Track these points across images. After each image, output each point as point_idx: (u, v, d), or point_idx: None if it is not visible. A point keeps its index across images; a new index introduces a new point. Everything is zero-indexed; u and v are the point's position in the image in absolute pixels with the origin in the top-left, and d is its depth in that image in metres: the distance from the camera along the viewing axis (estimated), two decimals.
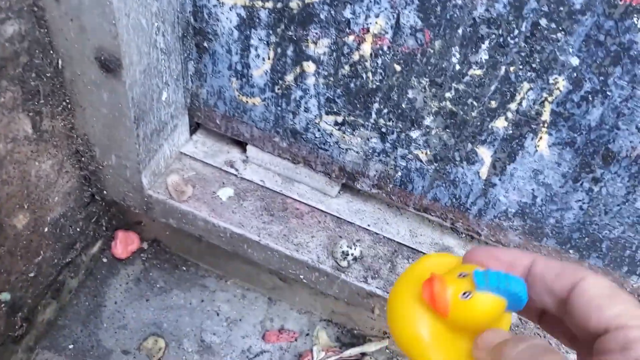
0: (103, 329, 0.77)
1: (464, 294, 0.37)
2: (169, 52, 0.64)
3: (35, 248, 0.69)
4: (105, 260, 0.82)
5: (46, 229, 0.69)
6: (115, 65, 0.57)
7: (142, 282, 0.82)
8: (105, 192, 0.74)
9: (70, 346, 0.75)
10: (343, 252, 0.65)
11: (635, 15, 0.44)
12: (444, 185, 0.64)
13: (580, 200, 0.58)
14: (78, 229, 0.75)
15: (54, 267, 0.74)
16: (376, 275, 0.66)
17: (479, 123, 0.57)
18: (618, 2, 0.44)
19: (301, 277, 0.68)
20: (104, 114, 0.62)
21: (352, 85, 0.60)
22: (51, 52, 0.58)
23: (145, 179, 0.69)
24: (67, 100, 0.63)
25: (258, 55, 0.63)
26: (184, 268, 0.83)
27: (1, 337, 0.68)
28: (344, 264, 0.65)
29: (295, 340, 0.78)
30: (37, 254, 0.69)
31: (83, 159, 0.69)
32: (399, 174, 0.66)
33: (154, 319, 0.79)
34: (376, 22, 0.54)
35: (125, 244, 0.82)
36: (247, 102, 0.68)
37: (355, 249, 0.66)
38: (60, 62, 0.59)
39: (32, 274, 0.69)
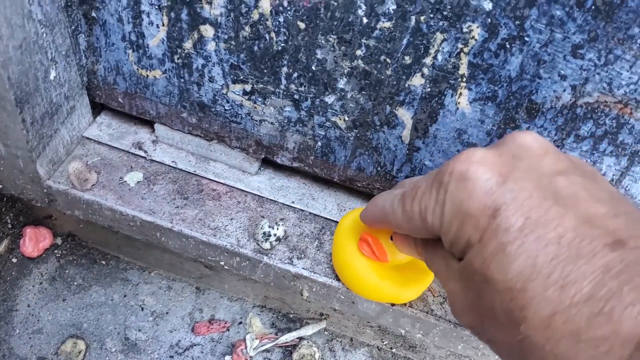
0: (16, 336, 0.70)
1: (390, 238, 0.49)
2: (51, 25, 0.57)
3: None
4: (14, 260, 0.75)
5: None
6: None
7: (57, 281, 0.75)
8: (1, 186, 0.66)
9: None
10: (264, 233, 0.60)
11: None
12: (366, 153, 0.60)
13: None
14: None
15: None
16: (302, 255, 0.61)
17: (394, 82, 0.52)
18: None
19: (222, 263, 0.62)
20: None
21: (255, 48, 0.54)
22: None
23: (41, 168, 0.62)
24: None
25: (151, 22, 0.56)
26: (103, 262, 0.77)
27: None
28: (267, 245, 0.60)
29: (228, 330, 0.73)
30: None
31: None
32: (319, 144, 0.61)
33: (72, 320, 0.72)
34: None
35: (35, 240, 0.75)
36: (147, 75, 0.61)
37: (278, 228, 0.61)
38: None
39: None
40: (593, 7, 0.42)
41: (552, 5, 0.42)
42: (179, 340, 0.72)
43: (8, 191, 0.67)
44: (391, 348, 0.74)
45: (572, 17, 0.43)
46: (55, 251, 0.77)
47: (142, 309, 0.74)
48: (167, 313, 0.74)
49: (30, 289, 0.74)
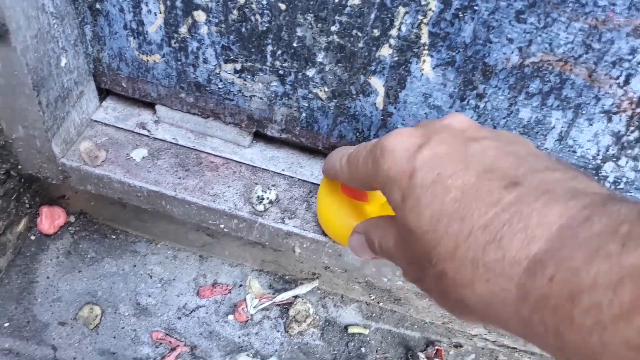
0: (37, 304, 0.78)
1: None
2: (61, 16, 0.64)
3: None
4: (33, 237, 0.82)
5: None
6: (3, 31, 0.57)
7: (72, 255, 0.82)
8: (20, 166, 0.73)
9: (6, 324, 0.76)
10: (258, 197, 0.67)
11: None
12: (346, 121, 0.67)
13: (470, 118, 0.61)
14: None
15: None
16: (293, 216, 0.68)
17: (366, 54, 0.59)
18: None
19: (222, 226, 0.69)
20: (1, 84, 0.62)
21: (243, 29, 0.61)
22: None
23: (56, 147, 0.69)
24: None
25: (150, 11, 0.63)
26: (113, 236, 0.84)
27: None
28: (260, 208, 0.67)
29: (229, 292, 0.80)
30: None
31: None
32: (304, 114, 0.68)
33: (87, 289, 0.79)
34: None
35: (51, 219, 0.82)
36: (147, 60, 0.68)
37: (270, 192, 0.68)
38: None
39: None
40: None
41: None
42: (186, 303, 0.79)
43: (26, 171, 0.74)
44: (378, 302, 0.81)
45: None
46: (69, 228, 0.84)
47: (151, 277, 0.81)
48: (173, 279, 0.81)
49: (49, 263, 0.81)
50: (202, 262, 0.83)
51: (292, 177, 0.71)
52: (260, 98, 0.68)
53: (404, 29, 0.56)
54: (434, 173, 0.35)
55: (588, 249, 0.25)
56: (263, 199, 0.67)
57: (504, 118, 0.60)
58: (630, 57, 0.51)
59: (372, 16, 0.56)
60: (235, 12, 0.60)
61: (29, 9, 0.58)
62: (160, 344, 0.76)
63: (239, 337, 0.78)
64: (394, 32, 0.56)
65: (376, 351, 0.79)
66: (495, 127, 0.61)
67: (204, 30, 0.63)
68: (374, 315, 0.81)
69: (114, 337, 0.76)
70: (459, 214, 0.32)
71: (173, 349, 0.75)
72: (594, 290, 0.23)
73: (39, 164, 0.72)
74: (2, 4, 0.54)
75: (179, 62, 0.67)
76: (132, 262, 0.82)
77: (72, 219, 0.85)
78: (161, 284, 0.80)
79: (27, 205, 0.81)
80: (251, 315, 0.78)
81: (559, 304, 0.25)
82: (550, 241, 0.27)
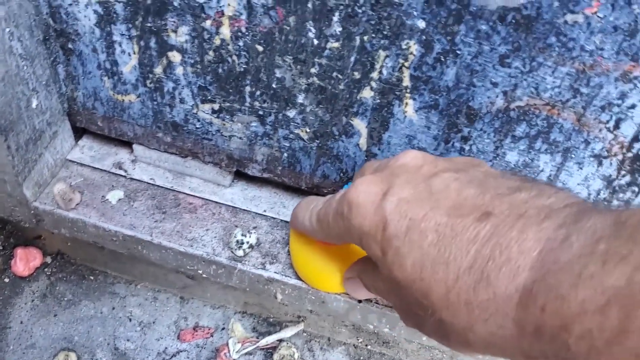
0: (10, 352, 0.74)
1: None
2: (31, 58, 0.61)
3: None
4: (6, 280, 0.79)
5: None
6: None
7: (48, 298, 0.79)
8: None
9: None
10: (238, 241, 0.65)
11: None
12: (329, 161, 0.64)
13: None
14: None
15: None
16: (274, 260, 0.65)
17: (347, 95, 0.57)
18: None
19: (200, 272, 0.67)
20: None
21: (220, 70, 0.59)
22: None
23: (27, 191, 0.66)
24: None
25: (123, 51, 0.61)
26: (92, 277, 0.81)
27: None
28: (240, 253, 0.64)
29: (211, 335, 0.77)
30: None
31: None
32: (285, 155, 0.65)
33: (63, 334, 0.76)
34: (229, 4, 0.53)
35: (26, 260, 0.79)
36: (123, 100, 0.66)
37: (250, 236, 0.65)
38: None
39: None
40: (514, 21, 0.47)
41: (477, 20, 0.47)
42: (166, 348, 0.76)
43: (1, 216, 0.71)
44: (366, 345, 0.78)
45: (496, 30, 0.47)
46: (46, 269, 0.81)
47: (130, 320, 0.78)
48: (153, 322, 0.78)
49: (23, 307, 0.78)
50: (183, 304, 0.80)
51: (274, 218, 0.69)
52: (240, 138, 0.65)
53: (385, 72, 0.54)
54: (406, 219, 0.35)
55: (571, 273, 0.25)
56: (243, 243, 0.65)
57: (490, 161, 0.58)
58: (619, 101, 0.49)
59: (352, 59, 0.54)
60: (211, 53, 0.58)
61: None
62: None
63: None
64: (375, 75, 0.54)
65: None
66: None
67: (179, 70, 0.61)
68: (362, 358, 0.78)
69: None
70: (442, 258, 0.32)
71: None
72: (583, 317, 0.24)
73: (10, 208, 0.69)
74: None
75: (155, 102, 0.65)
76: (111, 305, 0.79)
77: (48, 259, 0.82)
78: (141, 328, 0.78)
79: (1, 247, 0.78)
80: None
81: (554, 334, 0.25)
82: (535, 269, 0.27)
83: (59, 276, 0.81)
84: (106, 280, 0.81)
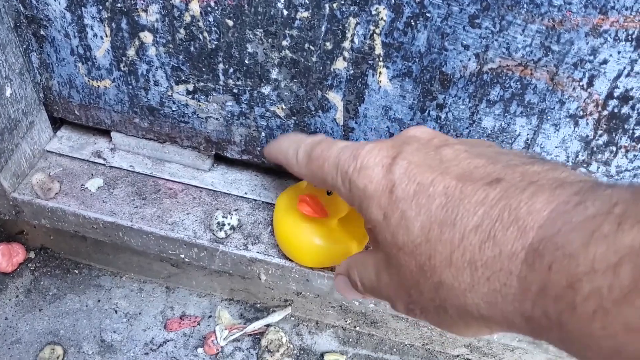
0: None
1: (327, 193, 0.56)
2: (2, 46, 0.61)
3: None
4: None
5: None
6: None
7: (33, 293, 0.78)
8: None
9: None
10: (219, 223, 0.64)
11: None
12: None
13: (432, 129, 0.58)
14: None
15: None
16: (257, 241, 0.64)
17: (321, 68, 0.56)
18: None
19: (182, 256, 0.66)
20: None
21: (192, 49, 0.59)
22: None
23: (5, 181, 0.66)
24: None
25: (95, 35, 0.61)
26: (76, 271, 0.80)
27: None
28: (222, 234, 0.64)
29: (198, 324, 0.77)
30: None
31: None
32: (263, 134, 0.65)
33: (49, 328, 0.75)
34: None
35: (9, 256, 0.78)
36: (98, 86, 0.66)
37: (231, 218, 0.65)
38: None
39: None
40: None
41: None
42: (153, 338, 0.75)
43: None
44: (355, 326, 0.77)
45: None
46: (29, 265, 0.80)
47: (116, 311, 0.77)
48: (139, 313, 0.77)
49: (7, 303, 0.77)
50: (169, 294, 0.79)
51: (255, 200, 0.68)
52: (217, 119, 0.65)
53: (356, 40, 0.53)
54: (414, 183, 0.34)
55: (583, 232, 0.24)
56: (224, 225, 0.64)
57: (466, 128, 0.57)
58: (591, 57, 0.48)
59: (323, 29, 0.53)
60: (182, 31, 0.57)
61: None
62: None
63: None
64: (346, 44, 0.54)
65: None
66: (458, 137, 0.58)
67: (152, 51, 0.60)
68: (350, 340, 0.77)
69: None
70: (449, 219, 0.31)
71: None
72: (593, 276, 0.23)
73: None
74: None
75: (130, 86, 0.64)
76: (96, 297, 0.78)
77: (32, 255, 0.81)
78: (127, 319, 0.77)
79: None
80: (222, 347, 0.74)
81: (559, 293, 0.25)
82: (544, 228, 0.27)
83: (43, 271, 0.80)
84: (91, 273, 0.81)
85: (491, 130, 0.57)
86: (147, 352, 0.74)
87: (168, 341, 0.75)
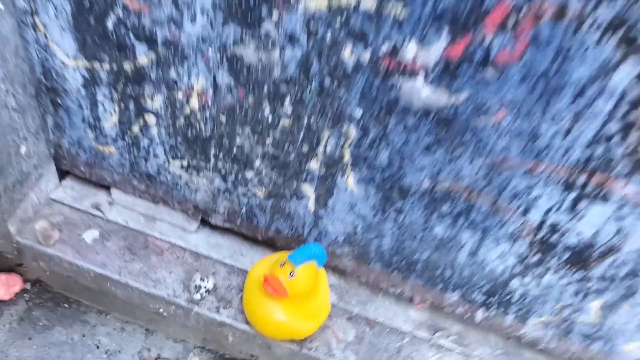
0: None
1: (291, 274, 0.63)
2: (22, 110, 0.69)
3: None
4: None
5: None
6: None
7: (25, 322, 0.85)
8: None
9: None
10: (196, 285, 0.71)
11: (394, 75, 0.52)
12: (282, 218, 0.71)
13: (391, 229, 0.66)
14: None
15: None
16: (228, 305, 0.72)
17: (297, 164, 0.64)
18: (379, 67, 0.52)
19: (161, 310, 0.73)
20: None
21: (189, 134, 0.67)
22: None
23: (12, 227, 0.74)
24: None
25: (105, 110, 0.69)
26: (66, 305, 0.88)
27: None
28: (197, 297, 0.71)
29: None
30: None
31: None
32: (244, 209, 0.72)
33: (36, 357, 0.82)
34: (198, 81, 0.61)
35: (7, 286, 0.86)
36: (103, 150, 0.74)
37: (207, 281, 0.72)
38: None
39: None
40: (435, 119, 0.54)
41: (406, 116, 0.55)
42: None
43: None
44: None
45: (422, 124, 0.55)
46: (25, 295, 0.88)
47: (98, 347, 0.84)
48: (119, 352, 0.84)
49: (1, 329, 0.84)
50: (148, 336, 0.86)
51: (232, 265, 0.76)
52: (205, 191, 0.73)
53: (329, 148, 0.61)
54: None
55: None
56: (200, 288, 0.71)
57: (421, 232, 0.65)
58: (526, 192, 0.56)
59: (301, 135, 0.61)
60: (182, 119, 0.65)
61: None
62: None
63: None
64: (320, 149, 0.61)
65: None
66: (414, 239, 0.66)
67: (154, 130, 0.68)
68: None
69: None
70: None
71: None
72: None
73: None
74: None
75: (132, 155, 0.72)
76: (82, 332, 0.85)
77: (28, 286, 0.88)
78: (107, 355, 0.84)
79: None
80: None
81: None
82: None
83: (36, 302, 0.88)
84: (79, 308, 0.88)
85: (441, 237, 0.64)
86: None
87: None
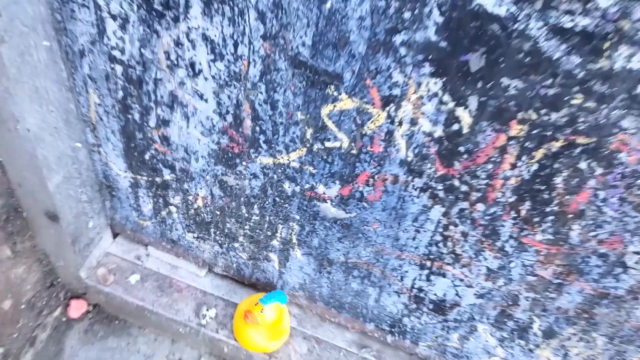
0: None
1: (262, 310, 0.93)
2: (90, 200, 1.06)
3: (17, 318, 1.11)
4: (64, 319, 1.25)
5: (23, 306, 1.12)
6: (54, 217, 1.00)
7: (89, 333, 1.24)
8: (59, 280, 1.16)
9: None
10: (203, 314, 1.08)
11: (314, 200, 0.87)
12: (260, 272, 1.07)
13: (326, 282, 1.01)
14: (44, 302, 1.18)
15: (30, 328, 1.16)
16: (224, 328, 1.08)
17: (265, 242, 1.00)
18: (305, 195, 0.87)
19: (180, 330, 1.11)
20: (53, 240, 1.05)
21: (197, 219, 1.03)
22: (19, 209, 1.01)
23: (82, 273, 1.12)
24: (31, 233, 1.05)
25: (144, 201, 1.06)
26: (117, 322, 1.26)
27: None
28: (204, 322, 1.08)
29: None
30: (17, 322, 1.12)
31: (43, 262, 1.11)
32: (234, 265, 1.09)
33: (97, 357, 1.21)
34: (201, 191, 0.97)
35: (77, 308, 1.24)
36: (143, 223, 1.11)
37: (210, 311, 1.09)
38: (25, 214, 1.02)
39: (15, 334, 1.12)
40: (340, 224, 0.89)
41: (324, 221, 0.90)
42: None
43: (62, 283, 1.16)
44: None
45: (333, 226, 0.90)
46: (88, 315, 1.26)
47: (138, 352, 1.23)
48: (152, 355, 1.22)
49: (73, 337, 1.23)
50: (173, 344, 1.24)
51: (228, 300, 1.12)
52: (209, 253, 1.09)
53: (283, 234, 0.97)
54: None
55: None
56: (206, 315, 1.08)
57: (344, 285, 1.00)
58: (400, 268, 0.91)
59: (266, 226, 0.97)
60: (192, 210, 1.02)
61: (72, 202, 1.01)
62: None
63: None
64: (278, 234, 0.97)
65: None
66: (340, 289, 1.01)
67: (175, 215, 1.05)
68: None
69: None
70: None
71: None
72: None
73: (70, 281, 1.14)
74: (57, 204, 0.97)
75: (161, 227, 1.09)
76: (127, 341, 1.24)
77: (90, 308, 1.27)
78: (145, 358, 1.22)
79: (62, 298, 1.24)
80: None
81: None
82: None
83: (96, 319, 1.26)
84: (126, 325, 1.26)
85: (356, 290, 0.99)
86: None
87: None
